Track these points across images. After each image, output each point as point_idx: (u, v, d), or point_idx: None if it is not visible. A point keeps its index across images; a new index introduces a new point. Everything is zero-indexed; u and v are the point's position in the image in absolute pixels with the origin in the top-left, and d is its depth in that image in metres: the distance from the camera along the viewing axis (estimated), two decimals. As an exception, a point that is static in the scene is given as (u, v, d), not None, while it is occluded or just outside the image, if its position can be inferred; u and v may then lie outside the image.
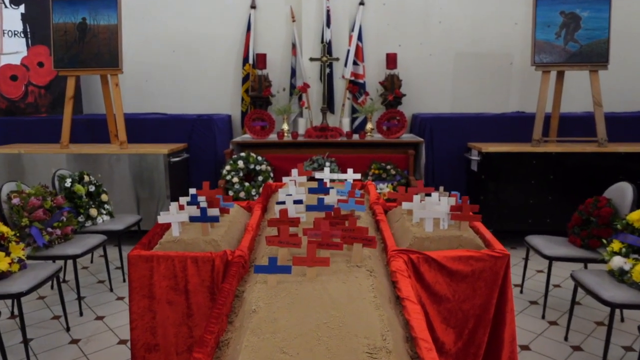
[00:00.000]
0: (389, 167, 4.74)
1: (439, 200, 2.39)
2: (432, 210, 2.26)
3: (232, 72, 5.97)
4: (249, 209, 2.88)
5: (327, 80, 5.55)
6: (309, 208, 2.36)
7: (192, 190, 2.56)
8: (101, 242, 3.62)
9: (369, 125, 5.18)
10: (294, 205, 2.30)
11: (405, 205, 2.42)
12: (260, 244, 2.34)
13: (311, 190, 2.62)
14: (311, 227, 2.10)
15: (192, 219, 2.26)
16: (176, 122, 5.25)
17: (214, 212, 2.32)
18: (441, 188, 2.69)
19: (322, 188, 2.62)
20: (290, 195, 2.43)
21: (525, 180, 4.62)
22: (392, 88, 5.45)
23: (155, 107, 6.03)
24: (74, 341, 3.07)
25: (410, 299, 1.77)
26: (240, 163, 4.69)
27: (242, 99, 5.98)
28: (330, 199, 2.52)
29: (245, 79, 5.83)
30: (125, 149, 4.72)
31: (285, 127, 5.20)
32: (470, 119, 5.22)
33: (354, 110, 5.70)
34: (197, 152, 5.23)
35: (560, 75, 4.88)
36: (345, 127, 5.38)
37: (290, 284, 1.78)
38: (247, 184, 4.68)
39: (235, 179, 4.66)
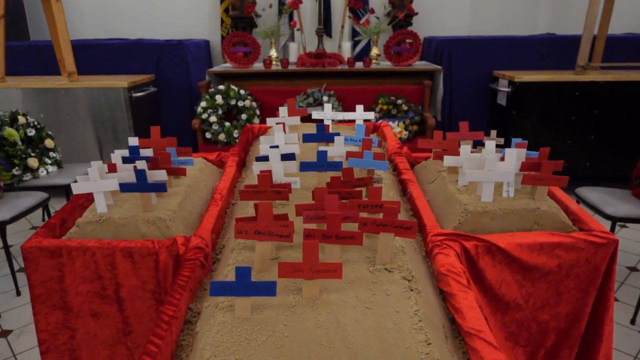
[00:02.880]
0: (399, 101, 3.87)
1: (500, 152, 1.59)
2: (494, 171, 1.45)
3: (208, -14, 4.90)
4: (221, 164, 2.06)
5: (323, -4, 4.51)
6: (305, 166, 1.55)
7: (133, 140, 1.73)
8: (41, 202, 2.82)
9: (374, 51, 4.24)
10: (281, 164, 1.48)
11: (449, 161, 1.61)
12: (232, 225, 1.55)
13: (307, 138, 1.79)
14: (309, 203, 1.30)
15: (124, 187, 1.44)
16: (139, 48, 4.27)
17: (159, 175, 1.51)
18: (493, 132, 1.87)
19: (322, 134, 1.79)
20: (277, 147, 1.61)
21: (564, 116, 3.79)
22: (401, 4, 4.45)
23: (120, 32, 5.00)
24: (4, 333, 2.36)
25: (483, 337, 1.01)
26: (219, 98, 3.79)
27: (222, 21, 4.96)
28: (336, 150, 1.70)
29: (224, -4, 4.79)
30: (75, 82, 3.79)
31: (274, 53, 4.24)
32: (496, 41, 4.28)
33: (355, 33, 4.72)
34: (166, 85, 4.30)
35: (612, -15, 3.90)
36: (346, 53, 4.42)
37: (275, 312, 1.01)
38: (227, 123, 3.82)
39: (213, 118, 3.78)
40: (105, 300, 1.40)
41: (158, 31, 4.95)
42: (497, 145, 1.77)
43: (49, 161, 3.26)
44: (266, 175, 1.37)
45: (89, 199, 1.66)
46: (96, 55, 4.29)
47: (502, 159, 1.54)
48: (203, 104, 3.82)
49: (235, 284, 1.00)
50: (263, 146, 1.67)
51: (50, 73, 4.24)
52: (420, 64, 4.20)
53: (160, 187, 1.46)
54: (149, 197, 1.46)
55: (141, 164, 1.49)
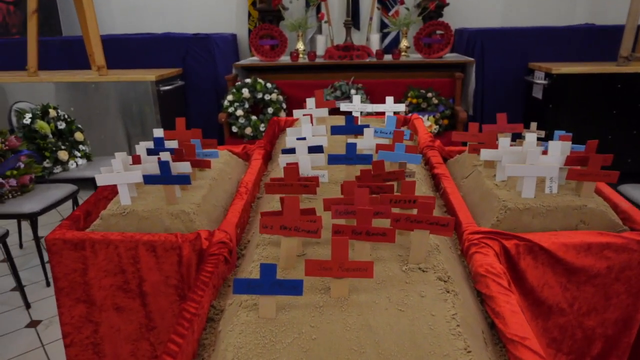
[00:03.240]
0: (430, 94, 3.76)
1: (542, 145, 1.48)
2: (537, 165, 1.35)
3: (236, -20, 4.88)
4: (247, 157, 2.01)
5: (352, -12, 4.42)
6: (333, 160, 1.48)
7: (158, 132, 1.69)
8: (70, 194, 2.84)
9: (403, 43, 4.13)
10: (308, 156, 1.42)
11: (486, 154, 1.52)
12: (257, 219, 1.50)
13: (335, 130, 1.72)
14: (338, 197, 1.23)
15: (148, 179, 1.41)
16: (167, 42, 4.27)
17: (183, 167, 1.47)
18: (533, 125, 1.76)
19: (351, 126, 1.72)
20: (304, 139, 1.55)
21: (605, 109, 3.60)
22: (433, -6, 4.32)
23: (148, 27, 5.03)
24: (33, 323, 2.38)
25: (528, 345, 0.92)
26: (246, 92, 3.76)
27: (249, 15, 4.93)
28: (366, 143, 1.63)
29: (251, -11, 4.75)
30: (104, 76, 3.82)
31: (301, 46, 4.18)
32: (531, 32, 4.10)
33: (384, 25, 4.61)
34: (193, 79, 4.29)
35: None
36: (375, 45, 4.32)
37: (302, 313, 0.95)
38: (254, 117, 3.78)
39: (240, 112, 3.75)
40: (128, 294, 1.37)
41: (186, 26, 4.96)
42: (538, 139, 1.66)
43: (79, 154, 3.29)
44: (293, 168, 1.31)
45: (113, 191, 1.63)
46: (125, 50, 4.32)
47: (544, 152, 1.44)
48: (229, 97, 3.79)
49: (260, 281, 0.94)
50: (290, 138, 1.60)
51: (81, 68, 4.30)
52: (451, 56, 4.07)
53: (184, 180, 1.42)
54: (172, 189, 1.42)
55: (165, 156, 1.45)
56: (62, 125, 3.26)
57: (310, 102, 1.94)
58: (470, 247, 1.26)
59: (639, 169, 3.70)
